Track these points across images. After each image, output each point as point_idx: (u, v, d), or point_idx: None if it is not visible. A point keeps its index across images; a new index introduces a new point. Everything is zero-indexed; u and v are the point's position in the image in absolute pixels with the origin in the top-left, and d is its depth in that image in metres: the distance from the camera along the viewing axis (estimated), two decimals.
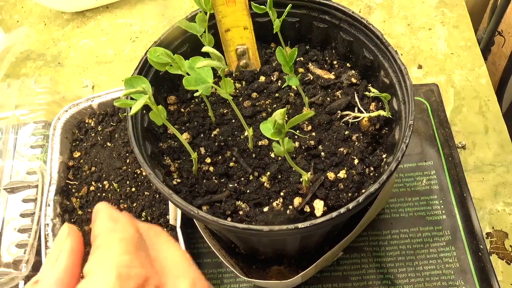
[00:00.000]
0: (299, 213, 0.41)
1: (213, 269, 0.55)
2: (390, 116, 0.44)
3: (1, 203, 0.58)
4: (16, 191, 0.59)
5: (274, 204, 0.41)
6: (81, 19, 0.82)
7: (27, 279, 0.55)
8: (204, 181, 0.43)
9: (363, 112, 0.45)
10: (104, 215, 0.24)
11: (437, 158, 0.60)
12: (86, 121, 0.64)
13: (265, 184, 0.42)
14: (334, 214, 0.36)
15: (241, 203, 0.41)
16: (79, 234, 0.24)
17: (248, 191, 0.42)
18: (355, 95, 0.47)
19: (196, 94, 0.39)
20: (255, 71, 0.41)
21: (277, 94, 0.49)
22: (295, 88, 0.49)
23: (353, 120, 0.45)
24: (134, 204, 0.56)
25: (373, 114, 0.45)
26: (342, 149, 0.44)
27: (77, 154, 0.61)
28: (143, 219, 0.54)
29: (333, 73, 0.50)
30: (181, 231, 0.50)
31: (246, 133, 0.45)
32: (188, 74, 0.38)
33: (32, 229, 0.56)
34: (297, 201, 0.41)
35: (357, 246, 0.55)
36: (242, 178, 0.43)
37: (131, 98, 0.35)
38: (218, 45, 0.42)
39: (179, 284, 0.22)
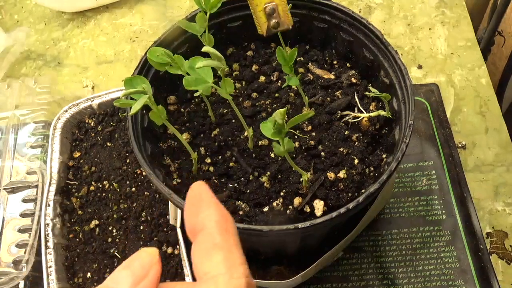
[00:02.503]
0: (299, 213, 0.41)
1: None
2: (390, 116, 0.44)
3: (1, 203, 0.58)
4: (16, 191, 0.59)
5: (274, 204, 0.41)
6: (81, 19, 0.82)
7: (27, 279, 0.55)
8: (204, 181, 0.43)
9: (363, 112, 0.45)
10: (214, 207, 0.23)
11: (437, 158, 0.60)
12: (86, 121, 0.64)
13: (265, 184, 0.42)
14: (334, 214, 0.36)
15: (241, 203, 0.41)
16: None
17: (248, 191, 0.42)
18: (355, 95, 0.47)
19: (196, 94, 0.39)
20: (289, 29, 0.39)
21: (277, 94, 0.49)
22: (295, 88, 0.49)
23: (353, 120, 0.45)
24: (134, 204, 0.56)
25: (373, 114, 0.45)
26: (342, 149, 0.44)
27: (77, 154, 0.61)
28: (143, 219, 0.54)
29: (333, 73, 0.50)
30: (181, 231, 0.50)
31: (246, 133, 0.45)
32: (188, 74, 0.38)
33: (32, 229, 0.56)
34: (297, 201, 0.41)
35: (357, 246, 0.55)
36: (242, 178, 0.43)
37: (131, 98, 0.35)
38: (218, 45, 0.42)
39: None
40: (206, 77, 0.38)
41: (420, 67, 0.70)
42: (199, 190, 0.24)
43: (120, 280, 0.21)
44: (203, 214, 0.23)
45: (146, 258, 0.22)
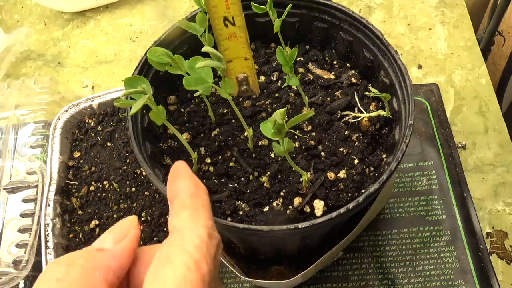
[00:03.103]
0: (299, 213, 0.41)
1: None
2: (390, 116, 0.44)
3: (1, 203, 0.58)
4: (16, 191, 0.59)
5: (274, 204, 0.41)
6: (81, 19, 0.82)
7: (27, 279, 0.55)
8: (204, 181, 0.43)
9: (363, 112, 0.45)
10: (188, 178, 0.28)
11: (437, 158, 0.60)
12: (86, 121, 0.64)
13: (265, 184, 0.42)
14: (334, 214, 0.36)
15: (241, 203, 0.41)
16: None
17: (248, 191, 0.42)
18: (355, 95, 0.47)
19: (196, 94, 0.39)
20: (255, 96, 0.43)
21: (277, 94, 0.49)
22: (295, 88, 0.49)
23: (353, 120, 0.45)
24: (134, 204, 0.56)
25: (373, 114, 0.45)
26: (342, 149, 0.44)
27: (77, 154, 0.61)
28: (143, 219, 0.54)
29: (333, 73, 0.50)
30: None
31: (246, 133, 0.45)
32: (188, 74, 0.38)
33: (32, 229, 0.56)
34: (297, 201, 0.41)
35: (357, 246, 0.55)
36: (242, 178, 0.43)
37: (131, 98, 0.35)
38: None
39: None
40: (206, 77, 0.38)
41: (420, 67, 0.70)
42: (179, 166, 0.29)
43: (105, 240, 0.25)
44: (179, 184, 0.28)
45: (126, 222, 0.27)
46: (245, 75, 0.41)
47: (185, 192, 0.27)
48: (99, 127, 0.63)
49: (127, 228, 0.26)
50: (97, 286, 0.23)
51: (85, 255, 0.24)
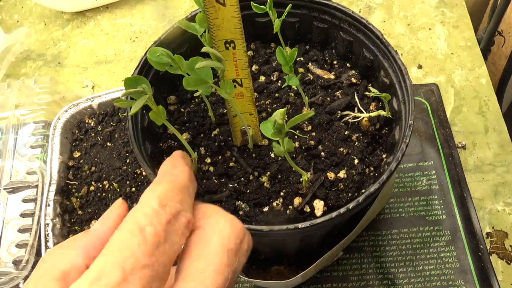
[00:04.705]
0: (299, 213, 0.41)
1: None
2: (390, 116, 0.44)
3: (1, 203, 0.58)
4: (16, 191, 0.59)
5: (274, 204, 0.41)
6: (81, 19, 0.82)
7: (27, 278, 0.55)
8: (204, 181, 0.43)
9: (363, 112, 0.45)
10: (169, 160, 0.31)
11: (437, 158, 0.60)
12: (86, 121, 0.64)
13: (265, 184, 0.42)
14: (334, 214, 0.36)
15: (241, 203, 0.41)
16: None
17: (248, 191, 0.42)
18: (355, 95, 0.47)
19: (196, 94, 0.39)
20: (258, 143, 0.46)
21: (277, 94, 0.49)
22: (295, 88, 0.49)
23: (353, 120, 0.45)
24: (134, 204, 0.56)
25: (373, 114, 0.45)
26: (342, 149, 0.44)
27: (77, 154, 0.61)
28: None
29: (333, 73, 0.50)
30: None
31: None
32: (188, 75, 0.38)
33: (32, 229, 0.56)
34: (297, 201, 0.41)
35: (357, 246, 0.55)
36: (242, 178, 0.43)
37: (131, 98, 0.35)
38: None
39: (218, 223, 0.28)
40: (206, 78, 0.38)
41: (420, 67, 0.70)
42: (174, 155, 0.33)
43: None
44: (162, 166, 0.31)
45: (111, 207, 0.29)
46: (249, 127, 0.43)
47: (160, 170, 0.31)
48: (99, 127, 0.63)
49: (111, 211, 0.29)
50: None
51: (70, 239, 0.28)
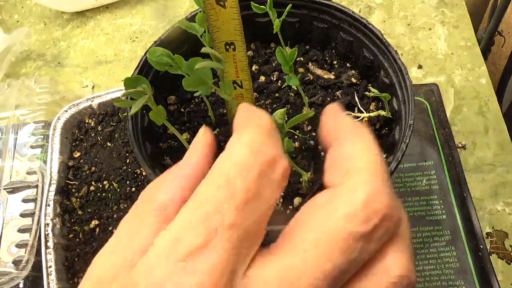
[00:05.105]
0: None
1: None
2: (390, 116, 0.44)
3: (1, 203, 0.58)
4: (16, 191, 0.59)
5: None
6: (81, 19, 0.82)
7: (27, 279, 0.55)
8: None
9: (363, 112, 0.45)
10: (244, 109, 0.27)
11: (437, 158, 0.60)
12: (86, 121, 0.64)
13: None
14: None
15: None
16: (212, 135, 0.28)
17: None
18: (355, 95, 0.47)
19: (196, 94, 0.39)
20: None
21: (277, 94, 0.49)
22: (295, 88, 0.49)
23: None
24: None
25: (373, 114, 0.45)
26: None
27: (77, 154, 0.61)
28: None
29: (333, 73, 0.50)
30: None
31: None
32: (188, 75, 0.38)
33: (32, 229, 0.56)
34: (297, 201, 0.41)
35: None
36: None
37: (131, 98, 0.35)
38: None
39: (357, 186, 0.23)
40: (206, 78, 0.38)
41: (420, 67, 0.70)
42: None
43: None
44: (236, 118, 0.27)
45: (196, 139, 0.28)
46: None
47: (238, 121, 0.27)
48: (99, 127, 0.63)
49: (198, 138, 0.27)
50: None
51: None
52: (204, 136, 0.27)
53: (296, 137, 0.45)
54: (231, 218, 0.20)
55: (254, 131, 0.23)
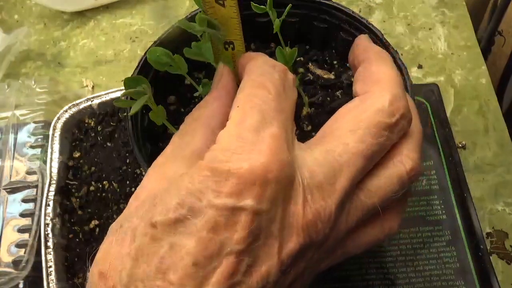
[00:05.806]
0: None
1: None
2: None
3: (1, 203, 0.58)
4: (16, 191, 0.59)
5: None
6: (81, 19, 0.82)
7: (27, 279, 0.55)
8: None
9: None
10: (262, 60, 0.34)
11: (437, 158, 0.60)
12: (86, 121, 0.64)
13: None
14: None
15: None
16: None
17: None
18: None
19: (196, 94, 0.39)
20: None
21: None
22: None
23: None
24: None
25: None
26: None
27: (77, 154, 0.61)
28: None
29: (333, 73, 0.50)
30: None
31: None
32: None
33: (32, 229, 0.56)
34: None
35: None
36: None
37: (131, 98, 0.35)
38: None
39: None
40: (206, 54, 0.39)
41: (420, 67, 0.70)
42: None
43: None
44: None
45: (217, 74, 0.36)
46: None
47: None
48: (99, 127, 0.63)
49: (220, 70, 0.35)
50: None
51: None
52: (225, 67, 0.34)
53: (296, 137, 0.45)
54: (274, 105, 0.27)
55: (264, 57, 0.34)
